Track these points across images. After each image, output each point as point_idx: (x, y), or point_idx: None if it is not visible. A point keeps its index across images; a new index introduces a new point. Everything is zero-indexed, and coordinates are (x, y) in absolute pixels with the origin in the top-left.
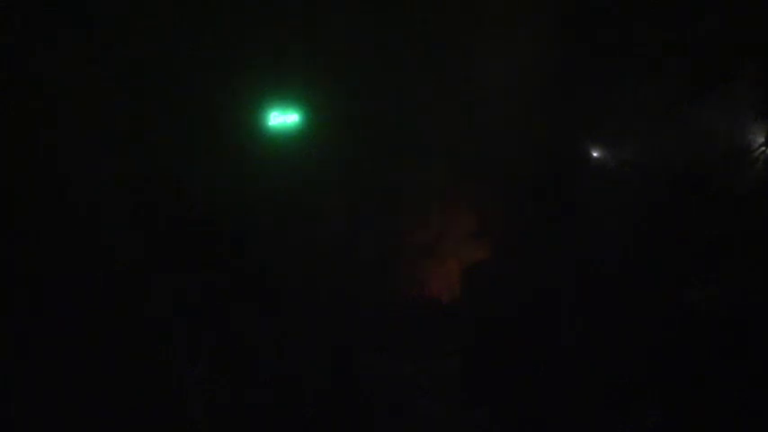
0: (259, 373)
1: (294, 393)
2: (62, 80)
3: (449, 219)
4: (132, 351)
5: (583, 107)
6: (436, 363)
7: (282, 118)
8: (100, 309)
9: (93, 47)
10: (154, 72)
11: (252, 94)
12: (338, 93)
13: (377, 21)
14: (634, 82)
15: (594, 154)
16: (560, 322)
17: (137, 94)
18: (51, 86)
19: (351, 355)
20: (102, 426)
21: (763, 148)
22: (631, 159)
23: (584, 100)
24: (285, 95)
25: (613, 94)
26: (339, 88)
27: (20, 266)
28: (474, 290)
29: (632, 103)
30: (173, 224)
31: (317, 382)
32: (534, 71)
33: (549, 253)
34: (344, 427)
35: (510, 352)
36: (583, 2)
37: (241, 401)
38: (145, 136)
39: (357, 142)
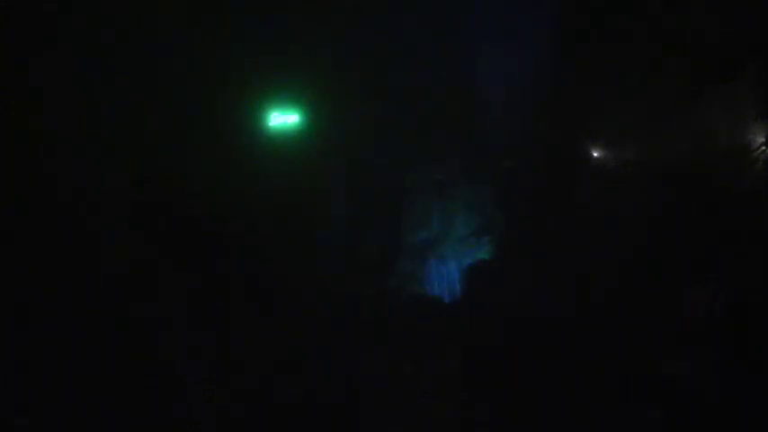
0: (259, 373)
1: (294, 393)
2: (63, 80)
3: (449, 219)
4: (133, 351)
5: (583, 107)
6: (436, 363)
7: (282, 118)
8: (100, 308)
9: (93, 47)
10: (154, 72)
11: (252, 94)
12: (338, 93)
13: (376, 21)
14: (634, 82)
15: (595, 154)
16: (560, 322)
17: (137, 95)
18: (52, 87)
19: (351, 355)
20: (103, 425)
21: (764, 148)
22: (632, 159)
23: (585, 100)
24: (285, 95)
25: (614, 93)
26: (339, 88)
27: (21, 266)
28: (474, 290)
29: (632, 102)
30: (173, 224)
31: (317, 382)
32: (535, 72)
33: (549, 252)
34: (345, 427)
35: (510, 351)
36: (583, 2)
37: (241, 401)
38: (145, 136)
39: (357, 142)
